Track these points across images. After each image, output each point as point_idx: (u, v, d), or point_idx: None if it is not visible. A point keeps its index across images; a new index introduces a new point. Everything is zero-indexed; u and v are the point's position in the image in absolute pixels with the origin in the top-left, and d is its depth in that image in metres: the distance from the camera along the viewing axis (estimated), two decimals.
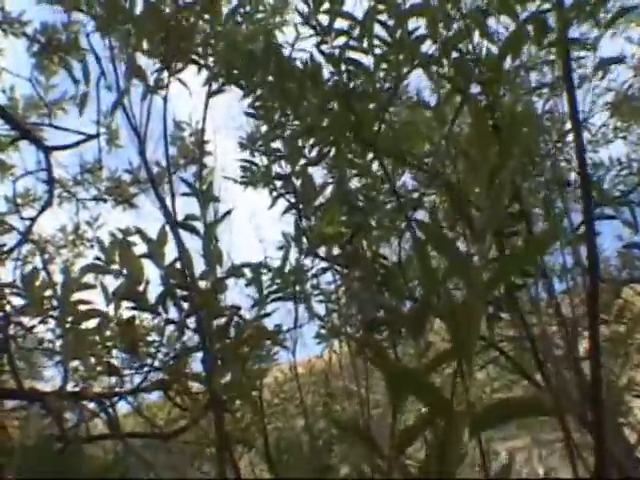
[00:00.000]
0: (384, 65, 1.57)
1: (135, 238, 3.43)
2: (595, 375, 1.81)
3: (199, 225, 2.00)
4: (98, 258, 1.92)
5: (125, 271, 1.86)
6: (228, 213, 1.92)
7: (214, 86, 1.98)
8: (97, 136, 3.08)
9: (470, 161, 0.80)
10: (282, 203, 3.01)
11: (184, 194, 2.04)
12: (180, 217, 2.88)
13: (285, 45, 3.07)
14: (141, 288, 1.86)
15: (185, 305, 1.86)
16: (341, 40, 1.62)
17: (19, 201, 3.65)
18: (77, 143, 2.94)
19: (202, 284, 1.88)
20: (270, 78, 1.43)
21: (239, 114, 3.44)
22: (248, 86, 1.65)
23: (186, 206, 2.85)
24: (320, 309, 3.03)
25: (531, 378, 2.38)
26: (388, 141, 1.67)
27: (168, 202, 3.27)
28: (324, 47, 1.54)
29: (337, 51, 1.55)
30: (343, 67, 1.57)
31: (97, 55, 3.14)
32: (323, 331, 3.16)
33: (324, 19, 1.66)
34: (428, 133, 1.90)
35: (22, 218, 2.99)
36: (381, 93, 1.55)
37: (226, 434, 2.51)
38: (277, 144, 3.15)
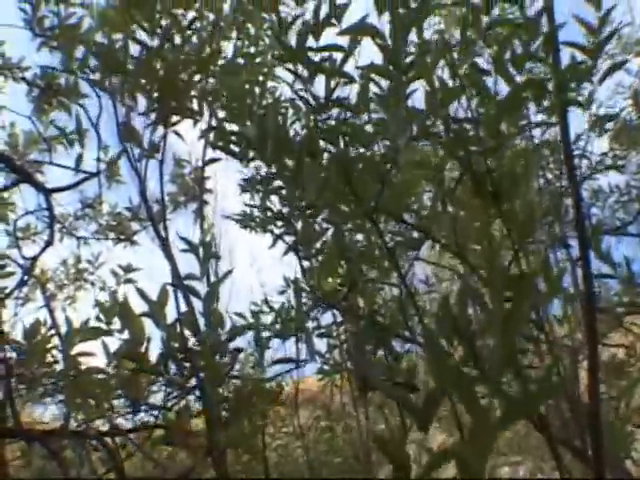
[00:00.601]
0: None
1: (135, 274, 3.43)
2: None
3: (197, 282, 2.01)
4: (98, 318, 1.93)
5: (126, 332, 1.86)
6: (229, 272, 1.93)
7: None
8: (97, 174, 3.09)
9: (485, 308, 0.81)
10: (282, 244, 3.02)
11: (183, 250, 2.05)
12: (180, 264, 2.89)
13: (283, 83, 3.09)
14: (142, 348, 1.87)
15: (186, 365, 1.87)
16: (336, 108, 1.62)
17: (19, 234, 3.66)
18: (77, 183, 2.95)
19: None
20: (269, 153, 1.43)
21: None
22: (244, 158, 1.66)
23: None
24: (321, 345, 3.04)
25: None
26: (386, 203, 1.67)
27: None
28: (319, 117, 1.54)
29: (333, 120, 1.55)
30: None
31: (97, 93, 3.16)
32: (325, 367, 3.18)
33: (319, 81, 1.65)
34: (426, 188, 1.92)
35: (24, 258, 2.99)
36: (381, 162, 1.55)
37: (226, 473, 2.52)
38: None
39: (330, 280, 1.98)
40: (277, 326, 2.67)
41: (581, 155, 3.78)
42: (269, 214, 2.86)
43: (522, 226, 1.85)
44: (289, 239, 2.88)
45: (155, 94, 1.83)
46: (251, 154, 1.68)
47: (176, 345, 1.78)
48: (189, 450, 2.09)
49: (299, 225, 2.78)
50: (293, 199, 1.55)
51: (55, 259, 3.85)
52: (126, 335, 1.88)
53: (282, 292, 2.84)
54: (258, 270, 3.23)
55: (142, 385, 2.16)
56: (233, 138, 1.64)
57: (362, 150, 1.58)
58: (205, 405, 1.94)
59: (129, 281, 3.20)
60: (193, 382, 2.11)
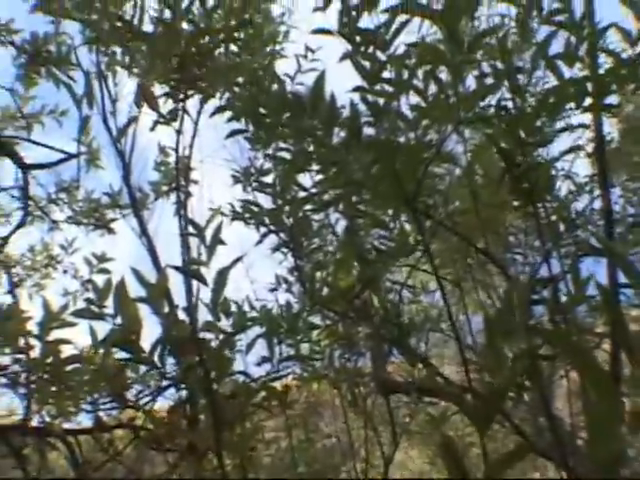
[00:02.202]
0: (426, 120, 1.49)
1: (110, 265, 3.22)
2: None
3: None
4: (90, 301, 1.75)
5: (120, 318, 1.69)
6: (240, 259, 1.78)
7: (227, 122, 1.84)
8: (77, 155, 2.90)
9: None
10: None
11: (188, 234, 1.89)
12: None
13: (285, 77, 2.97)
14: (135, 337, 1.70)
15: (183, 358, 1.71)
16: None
17: None
18: (57, 162, 2.76)
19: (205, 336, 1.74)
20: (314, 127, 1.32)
21: (231, 144, 3.30)
22: (271, 131, 1.53)
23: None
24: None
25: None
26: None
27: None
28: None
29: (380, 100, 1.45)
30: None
31: (84, 71, 2.97)
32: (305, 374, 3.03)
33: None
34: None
35: None
36: (423, 149, 1.46)
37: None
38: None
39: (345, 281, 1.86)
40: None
41: (566, 176, 3.80)
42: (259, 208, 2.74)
43: (555, 227, 1.80)
44: (282, 236, 2.75)
45: (175, 61, 1.68)
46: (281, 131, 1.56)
47: (180, 335, 1.62)
48: (174, 452, 1.92)
49: (289, 221, 2.65)
50: (336, 181, 1.43)
51: (23, 243, 3.58)
52: (119, 321, 1.71)
53: (273, 290, 2.70)
54: (248, 266, 3.07)
55: (126, 380, 1.98)
56: (262, 111, 1.52)
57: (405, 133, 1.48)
58: (195, 402, 1.79)
59: (103, 271, 2.99)
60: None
